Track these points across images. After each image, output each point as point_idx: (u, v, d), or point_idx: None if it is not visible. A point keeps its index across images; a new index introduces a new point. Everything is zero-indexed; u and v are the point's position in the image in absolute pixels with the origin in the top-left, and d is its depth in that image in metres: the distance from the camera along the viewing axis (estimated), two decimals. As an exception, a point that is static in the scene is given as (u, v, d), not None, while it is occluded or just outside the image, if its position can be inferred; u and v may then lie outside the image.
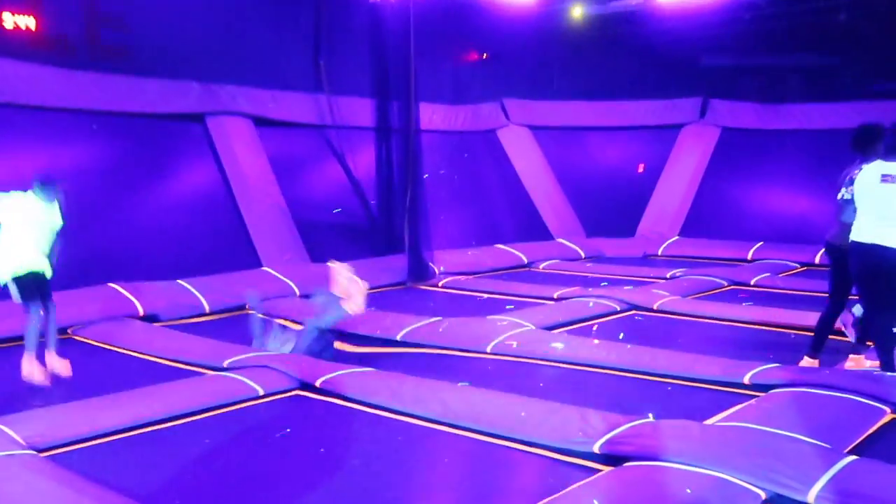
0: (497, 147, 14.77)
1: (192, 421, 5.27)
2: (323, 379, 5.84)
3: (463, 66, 14.72)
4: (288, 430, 5.12)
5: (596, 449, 4.50)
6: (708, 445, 4.32)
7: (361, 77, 11.39)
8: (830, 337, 6.30)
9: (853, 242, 5.50)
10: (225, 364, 6.33)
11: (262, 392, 5.73)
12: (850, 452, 4.37)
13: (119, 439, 4.94)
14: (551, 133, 15.05)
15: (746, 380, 5.75)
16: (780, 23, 13.93)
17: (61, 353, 6.15)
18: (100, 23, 9.79)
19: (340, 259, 10.67)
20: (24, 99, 9.17)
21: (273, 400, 5.72)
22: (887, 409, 5.10)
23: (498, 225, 13.72)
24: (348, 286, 7.14)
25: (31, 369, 5.82)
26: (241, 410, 5.51)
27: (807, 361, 6.18)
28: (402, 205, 11.08)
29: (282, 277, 9.69)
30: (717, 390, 5.79)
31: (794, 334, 7.39)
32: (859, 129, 5.98)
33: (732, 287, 10.23)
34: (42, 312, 5.94)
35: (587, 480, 4.12)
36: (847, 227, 5.67)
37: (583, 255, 13.19)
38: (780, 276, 11.02)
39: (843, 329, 6.54)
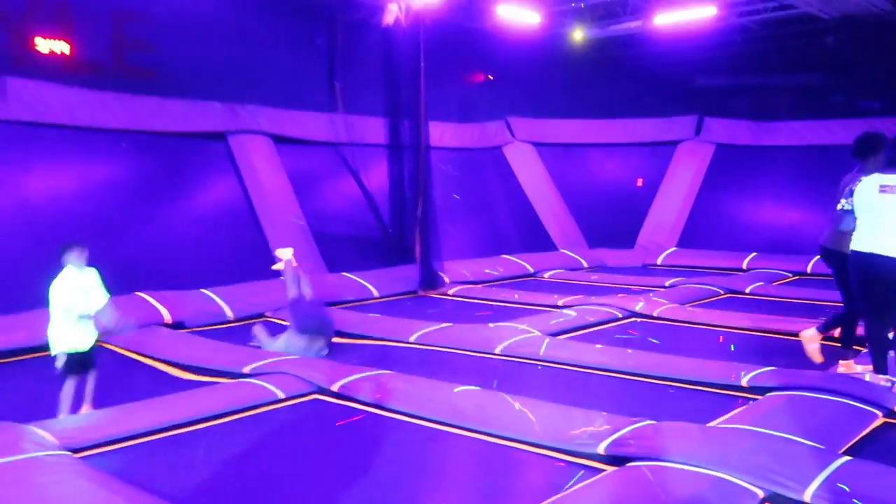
0: (503, 163, 14.82)
1: (217, 424, 5.26)
2: (340, 384, 5.85)
3: (470, 87, 14.81)
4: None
5: (601, 450, 4.49)
6: (708, 446, 4.30)
7: (374, 97, 11.44)
8: (822, 343, 6.20)
9: (853, 252, 5.47)
10: (246, 370, 6.34)
11: (282, 396, 5.75)
12: (844, 454, 4.35)
13: (148, 441, 4.94)
14: (554, 149, 15.09)
15: (744, 383, 5.75)
16: (770, 45, 14.01)
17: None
18: (127, 47, 9.88)
19: (354, 269, 10.71)
20: (59, 119, 9.28)
21: (293, 404, 5.72)
22: (879, 413, 5.07)
23: (504, 236, 13.74)
24: (288, 268, 7.53)
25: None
26: (263, 414, 5.50)
27: (843, 365, 5.95)
28: (413, 218, 11.13)
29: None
30: (716, 393, 5.77)
31: (788, 340, 7.35)
32: (861, 137, 5.91)
33: (728, 295, 10.22)
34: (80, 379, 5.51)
35: (592, 480, 4.10)
36: (844, 235, 5.63)
37: (585, 264, 13.20)
38: (774, 284, 11.01)
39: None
